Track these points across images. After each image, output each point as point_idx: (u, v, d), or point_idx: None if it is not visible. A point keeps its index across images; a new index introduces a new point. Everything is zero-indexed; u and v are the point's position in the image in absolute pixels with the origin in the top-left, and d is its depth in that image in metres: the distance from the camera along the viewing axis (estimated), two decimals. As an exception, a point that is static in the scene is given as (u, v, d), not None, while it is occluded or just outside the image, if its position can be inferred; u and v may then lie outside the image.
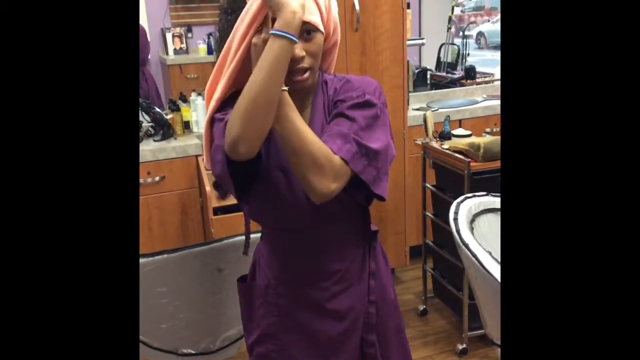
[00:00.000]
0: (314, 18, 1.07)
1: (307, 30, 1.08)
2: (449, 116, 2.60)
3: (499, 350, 1.72)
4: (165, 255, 1.64)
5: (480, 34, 10.54)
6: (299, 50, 1.07)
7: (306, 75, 1.10)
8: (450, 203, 2.17)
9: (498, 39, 9.83)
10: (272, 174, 1.11)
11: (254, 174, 1.08)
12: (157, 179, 2.61)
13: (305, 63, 1.09)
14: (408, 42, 2.80)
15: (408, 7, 2.85)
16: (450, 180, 2.43)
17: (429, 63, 4.51)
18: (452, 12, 5.15)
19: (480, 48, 10.09)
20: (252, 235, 1.74)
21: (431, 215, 2.61)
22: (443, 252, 2.53)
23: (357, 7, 2.54)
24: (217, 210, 2.58)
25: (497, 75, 3.76)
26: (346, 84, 1.16)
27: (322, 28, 1.10)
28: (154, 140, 2.69)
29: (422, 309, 2.70)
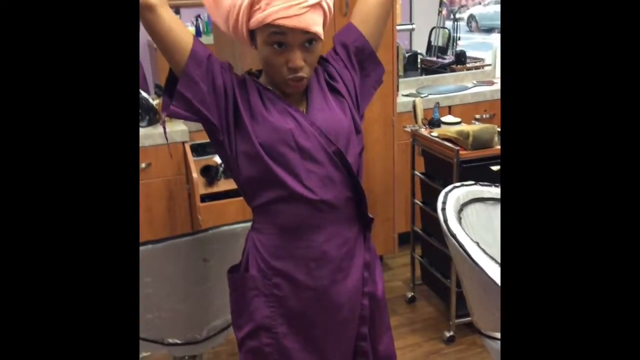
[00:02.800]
0: (318, 28, 1.08)
1: (309, 40, 1.09)
2: (438, 103, 2.58)
3: (485, 339, 1.73)
4: (150, 246, 1.62)
5: (471, 16, 10.49)
6: (299, 60, 1.09)
7: (302, 82, 1.13)
8: (439, 191, 2.16)
9: (489, 22, 9.80)
10: (263, 155, 1.11)
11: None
12: (143, 165, 2.58)
13: (303, 72, 1.12)
14: (398, 27, 2.77)
15: (398, -8, 2.80)
16: (439, 168, 2.42)
17: (420, 46, 4.47)
18: (443, -4, 5.10)
19: (471, 31, 10.05)
20: (242, 225, 1.73)
21: (420, 203, 2.60)
22: (431, 240, 2.53)
23: (347, -9, 2.50)
24: (204, 197, 2.56)
25: (488, 60, 3.73)
26: (324, 59, 1.24)
27: (322, 35, 1.11)
28: (140, 127, 2.65)
29: (410, 296, 2.71)
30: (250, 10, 1.06)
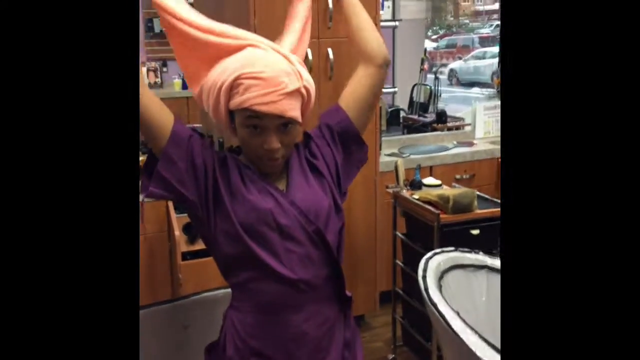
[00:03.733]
0: (294, 113, 1.10)
1: (285, 123, 1.11)
2: (419, 165, 2.64)
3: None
4: (130, 313, 1.61)
5: (452, 71, 10.84)
6: (275, 143, 1.11)
7: (279, 162, 1.15)
8: (420, 253, 2.18)
9: (469, 76, 10.13)
10: (243, 235, 1.11)
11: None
12: (125, 222, 2.57)
13: (279, 154, 1.13)
14: (381, 91, 2.85)
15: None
16: (420, 230, 2.45)
17: (402, 102, 4.59)
18: (425, 54, 5.27)
19: (451, 85, 10.36)
20: (223, 291, 1.72)
21: (401, 264, 2.62)
22: (412, 301, 2.53)
23: (331, 55, 2.59)
24: (186, 255, 2.54)
25: (467, 120, 3.84)
26: (308, 136, 1.26)
27: (300, 119, 1.13)
28: (124, 183, 2.65)
29: (391, 358, 2.69)
30: (230, 92, 1.09)
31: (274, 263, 1.12)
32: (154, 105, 1.09)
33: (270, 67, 1.07)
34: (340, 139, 1.25)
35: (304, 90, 1.12)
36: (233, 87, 1.08)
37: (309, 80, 1.14)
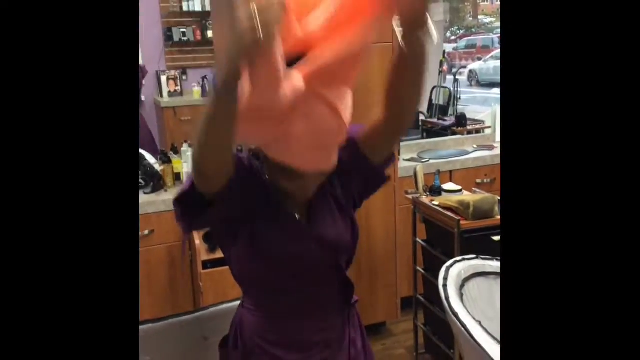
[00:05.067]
0: (335, 161, 1.08)
1: None
2: (439, 170, 2.61)
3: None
4: (150, 325, 1.62)
5: (472, 72, 10.72)
6: (313, 189, 1.12)
7: (309, 198, 1.16)
8: (441, 259, 2.15)
9: (489, 77, 10.00)
10: (261, 264, 1.12)
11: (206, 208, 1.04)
12: (146, 232, 2.59)
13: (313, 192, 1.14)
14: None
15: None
16: (440, 236, 2.43)
17: (421, 104, 4.56)
18: (444, 56, 5.23)
19: (471, 86, 10.24)
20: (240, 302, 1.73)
21: (422, 271, 2.59)
22: (434, 308, 2.51)
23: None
24: (207, 264, 2.56)
25: (487, 123, 3.79)
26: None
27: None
28: (144, 193, 2.68)
29: (413, 365, 2.66)
30: None
31: (288, 286, 1.15)
32: (232, 148, 1.00)
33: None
34: (355, 171, 1.20)
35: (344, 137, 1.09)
36: None
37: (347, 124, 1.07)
